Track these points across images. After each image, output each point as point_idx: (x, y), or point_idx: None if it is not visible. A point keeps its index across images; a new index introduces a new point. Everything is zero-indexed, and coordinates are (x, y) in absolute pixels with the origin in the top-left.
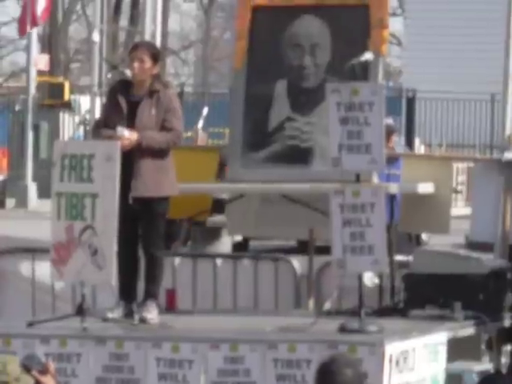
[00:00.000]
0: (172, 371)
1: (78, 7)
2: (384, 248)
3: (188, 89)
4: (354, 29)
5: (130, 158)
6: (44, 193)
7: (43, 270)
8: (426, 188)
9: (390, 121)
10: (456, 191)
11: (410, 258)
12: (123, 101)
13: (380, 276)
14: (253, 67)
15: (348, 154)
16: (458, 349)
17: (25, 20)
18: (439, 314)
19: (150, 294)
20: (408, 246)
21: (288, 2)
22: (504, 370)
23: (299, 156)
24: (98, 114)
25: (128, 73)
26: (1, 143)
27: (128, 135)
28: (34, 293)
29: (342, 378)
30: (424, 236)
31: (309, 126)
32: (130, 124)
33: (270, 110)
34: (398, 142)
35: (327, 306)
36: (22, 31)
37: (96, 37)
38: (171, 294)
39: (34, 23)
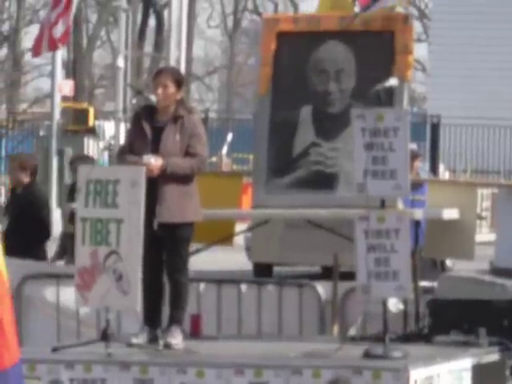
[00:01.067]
0: None
1: (103, 33)
2: (408, 274)
3: (212, 114)
4: (379, 54)
5: (155, 184)
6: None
7: (68, 295)
8: (450, 214)
9: (413, 146)
10: (481, 217)
11: (435, 283)
12: (147, 126)
13: (404, 302)
14: (277, 93)
15: (373, 180)
16: (482, 375)
17: (40, 41)
18: (464, 339)
19: (175, 320)
20: (432, 271)
21: (313, 28)
22: None
23: (324, 181)
24: (122, 140)
25: (152, 98)
26: None
27: (154, 162)
28: (59, 318)
29: None
30: (449, 262)
31: (334, 151)
32: (155, 149)
33: (294, 135)
34: (423, 167)
35: (352, 331)
36: (36, 52)
37: (120, 62)
38: (196, 320)
39: (53, 46)
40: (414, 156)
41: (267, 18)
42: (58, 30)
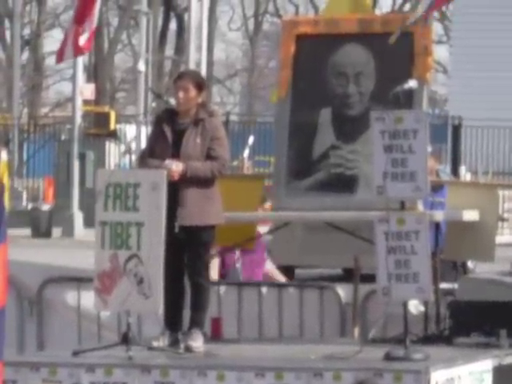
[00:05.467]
0: None
1: (124, 37)
2: (429, 276)
3: (233, 117)
4: (398, 56)
5: (176, 187)
6: (90, 222)
7: (89, 299)
8: (471, 215)
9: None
10: (502, 219)
11: (455, 285)
12: (168, 130)
13: (425, 304)
14: (297, 95)
15: (392, 182)
16: (503, 377)
17: (64, 48)
18: (485, 341)
19: (196, 323)
20: (453, 273)
21: (332, 30)
22: None
23: (344, 184)
24: (143, 143)
25: (172, 101)
26: (47, 172)
27: (175, 168)
28: (80, 322)
29: None
30: (470, 264)
31: (353, 154)
32: (175, 153)
33: (314, 138)
34: (444, 169)
35: (372, 333)
36: (60, 58)
37: (141, 66)
38: (216, 323)
39: (78, 52)
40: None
41: (286, 21)
42: (83, 37)
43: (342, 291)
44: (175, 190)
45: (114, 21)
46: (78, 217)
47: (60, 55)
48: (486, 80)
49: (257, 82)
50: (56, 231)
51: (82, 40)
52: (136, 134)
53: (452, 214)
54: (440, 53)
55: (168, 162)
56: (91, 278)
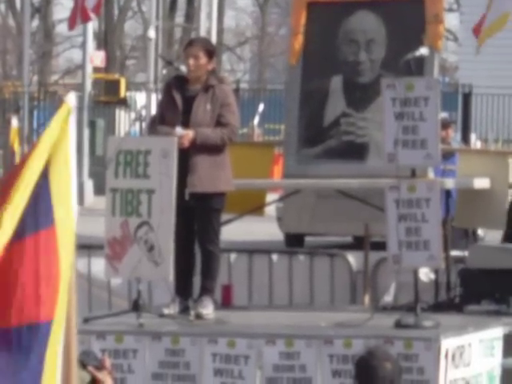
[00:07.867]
0: (228, 367)
1: (134, 4)
2: (439, 243)
3: (244, 85)
4: (410, 24)
5: (186, 154)
6: (100, 189)
7: (99, 266)
8: (481, 183)
9: (444, 114)
10: None
11: (466, 253)
12: (178, 96)
13: (436, 271)
14: (308, 63)
15: (403, 150)
16: None
17: (75, 14)
18: (495, 308)
19: (206, 290)
20: (463, 241)
21: None
22: None
23: (354, 151)
24: (153, 111)
25: (183, 68)
26: None
27: (185, 135)
28: (90, 289)
29: (382, 371)
30: (480, 231)
31: (364, 121)
32: (185, 119)
33: (325, 105)
34: (454, 137)
35: (383, 301)
36: (72, 25)
37: (152, 33)
38: (227, 290)
39: (86, 18)
40: (446, 124)
41: None
42: (91, 1)
43: (353, 259)
44: (185, 157)
45: None
46: (88, 184)
47: (72, 21)
48: (496, 48)
49: (267, 49)
50: None
51: (90, 4)
52: (146, 102)
53: (463, 181)
54: (450, 21)
55: (178, 128)
56: (102, 246)
